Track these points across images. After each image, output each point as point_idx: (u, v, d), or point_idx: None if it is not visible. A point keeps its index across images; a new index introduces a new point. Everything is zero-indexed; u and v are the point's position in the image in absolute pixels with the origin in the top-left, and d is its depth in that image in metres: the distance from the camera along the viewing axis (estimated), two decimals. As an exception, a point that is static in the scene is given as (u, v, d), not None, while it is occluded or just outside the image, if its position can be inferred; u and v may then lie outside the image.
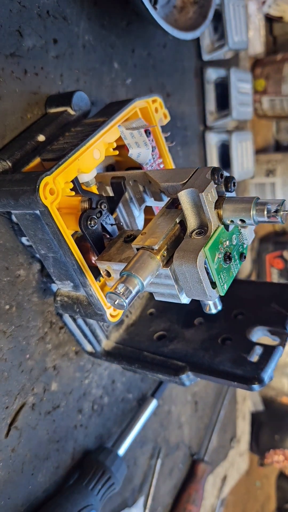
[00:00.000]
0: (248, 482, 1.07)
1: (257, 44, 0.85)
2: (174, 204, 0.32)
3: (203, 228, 0.29)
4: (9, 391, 0.41)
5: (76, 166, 0.33)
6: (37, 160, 0.35)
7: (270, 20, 0.92)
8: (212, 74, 0.68)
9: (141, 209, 0.40)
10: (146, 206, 0.39)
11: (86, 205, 0.34)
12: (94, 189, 0.37)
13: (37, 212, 0.32)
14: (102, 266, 0.34)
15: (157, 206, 0.39)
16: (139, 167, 0.38)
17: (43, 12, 0.41)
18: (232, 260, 0.30)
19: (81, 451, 0.51)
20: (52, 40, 0.42)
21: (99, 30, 0.47)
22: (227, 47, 0.65)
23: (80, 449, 0.51)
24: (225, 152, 0.73)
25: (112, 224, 0.37)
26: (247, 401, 1.01)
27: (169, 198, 0.33)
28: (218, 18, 0.64)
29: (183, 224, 0.31)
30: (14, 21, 0.38)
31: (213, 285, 0.29)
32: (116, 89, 0.50)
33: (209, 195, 0.29)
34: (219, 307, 0.33)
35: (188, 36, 0.48)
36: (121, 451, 0.52)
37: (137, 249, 0.30)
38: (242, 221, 0.29)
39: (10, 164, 0.35)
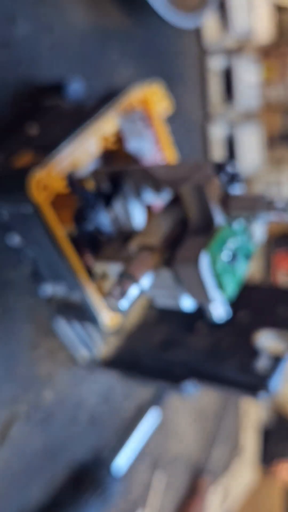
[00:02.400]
0: (251, 493, 1.06)
1: (265, 34, 0.84)
2: (176, 201, 0.31)
3: (206, 226, 0.28)
4: (0, 400, 0.40)
5: (70, 161, 0.31)
6: (29, 153, 0.34)
7: (279, 10, 0.91)
8: (216, 63, 0.67)
9: (140, 207, 0.38)
10: (145, 204, 0.38)
11: (81, 202, 0.32)
12: (90, 185, 0.36)
13: (29, 209, 0.30)
14: (99, 266, 0.33)
15: (156, 203, 0.38)
16: (138, 161, 0.37)
17: None
18: (238, 261, 0.29)
19: (76, 463, 0.50)
20: (48, 28, 0.41)
21: (95, 18, 0.46)
22: (231, 35, 0.63)
23: (75, 461, 0.49)
24: (230, 146, 0.72)
25: (108, 222, 0.35)
26: (252, 410, 0.99)
27: (170, 195, 0.31)
28: (222, 6, 0.63)
29: (184, 222, 0.30)
30: (8, 8, 0.37)
31: (218, 287, 0.28)
32: (112, 79, 0.49)
33: (213, 192, 0.27)
34: (225, 313, 0.31)
35: (190, 23, 0.47)
36: (118, 462, 0.51)
37: (136, 249, 0.28)
38: (248, 219, 0.28)
39: (1, 157, 0.33)
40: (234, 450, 0.92)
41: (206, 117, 0.69)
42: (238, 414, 0.92)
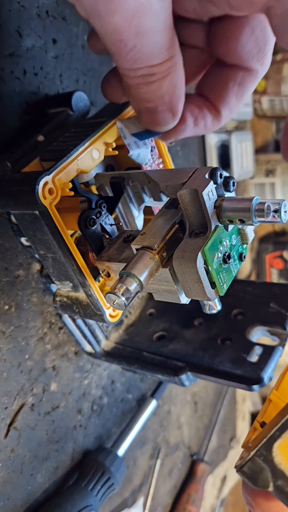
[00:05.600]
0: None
1: None
2: (174, 204, 0.32)
3: (202, 228, 0.29)
4: (8, 391, 0.41)
5: (75, 166, 0.33)
6: (36, 160, 0.35)
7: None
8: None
9: (141, 209, 0.40)
10: (146, 206, 0.39)
11: (85, 205, 0.33)
12: (93, 189, 0.37)
13: (36, 212, 0.32)
14: (102, 266, 0.34)
15: (157, 206, 0.39)
16: (138, 167, 0.38)
17: (42, 12, 0.40)
18: (232, 260, 0.30)
19: (81, 452, 0.51)
20: (52, 40, 0.42)
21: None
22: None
23: (80, 449, 0.51)
24: (224, 152, 0.73)
25: (111, 224, 0.37)
26: (247, 401, 1.01)
27: (168, 198, 0.32)
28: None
29: (182, 224, 0.31)
30: (13, 21, 0.38)
31: (213, 285, 0.29)
32: (115, 89, 0.50)
33: (209, 195, 0.28)
34: (219, 307, 0.33)
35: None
36: (121, 451, 0.52)
37: (137, 249, 0.29)
38: (242, 221, 0.29)
39: (9, 164, 0.35)
40: (231, 439, 0.93)
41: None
42: (235, 405, 0.94)
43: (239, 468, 0.21)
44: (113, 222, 0.37)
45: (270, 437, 0.21)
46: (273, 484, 0.20)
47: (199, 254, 0.27)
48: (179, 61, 0.26)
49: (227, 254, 0.29)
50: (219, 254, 0.29)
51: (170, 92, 0.27)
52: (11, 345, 0.41)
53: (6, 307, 0.40)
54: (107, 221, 0.36)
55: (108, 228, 0.36)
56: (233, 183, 0.30)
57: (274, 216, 0.28)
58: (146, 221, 0.41)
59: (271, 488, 0.20)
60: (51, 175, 0.31)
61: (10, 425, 0.42)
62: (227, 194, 0.30)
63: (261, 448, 0.21)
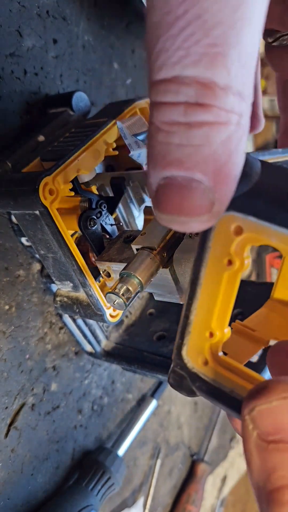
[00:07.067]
0: (248, 482, 1.07)
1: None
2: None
3: None
4: (8, 391, 0.41)
5: (75, 167, 0.33)
6: (36, 160, 0.35)
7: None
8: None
9: (141, 209, 0.40)
10: (146, 206, 0.39)
11: (85, 205, 0.33)
12: (93, 189, 0.37)
13: (37, 212, 0.32)
14: (102, 266, 0.34)
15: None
16: (139, 167, 0.38)
17: (42, 12, 0.41)
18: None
19: (81, 452, 0.51)
20: (52, 40, 0.42)
21: (98, 30, 0.47)
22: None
23: (80, 449, 0.51)
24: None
25: (111, 224, 0.37)
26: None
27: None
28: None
29: None
30: (14, 21, 0.38)
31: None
32: (116, 89, 0.50)
33: None
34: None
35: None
36: (121, 451, 0.52)
37: (137, 250, 0.29)
38: None
39: (9, 164, 0.35)
40: (231, 439, 0.93)
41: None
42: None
43: (168, 381, 0.22)
44: (114, 222, 0.37)
45: (178, 346, 0.22)
46: (194, 387, 0.21)
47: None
48: (249, 107, 0.15)
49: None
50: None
51: (224, 157, 0.15)
52: (11, 345, 0.41)
53: (7, 307, 0.40)
54: (107, 221, 0.36)
55: (108, 228, 0.36)
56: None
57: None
58: (146, 221, 0.41)
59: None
60: (51, 175, 0.31)
61: (10, 425, 0.42)
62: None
63: (175, 358, 0.22)
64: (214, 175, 0.15)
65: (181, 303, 0.31)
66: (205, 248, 0.20)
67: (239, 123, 0.15)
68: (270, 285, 0.50)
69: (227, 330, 0.21)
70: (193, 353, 0.21)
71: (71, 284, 0.37)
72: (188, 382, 0.21)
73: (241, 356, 0.24)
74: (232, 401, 0.19)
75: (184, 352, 0.22)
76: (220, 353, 0.21)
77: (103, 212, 0.34)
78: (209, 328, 0.21)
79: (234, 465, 0.96)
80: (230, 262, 0.19)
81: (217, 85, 0.14)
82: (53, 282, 0.39)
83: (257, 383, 0.18)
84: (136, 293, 0.27)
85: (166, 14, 0.13)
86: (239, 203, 0.17)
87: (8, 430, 0.41)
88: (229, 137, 0.15)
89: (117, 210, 0.39)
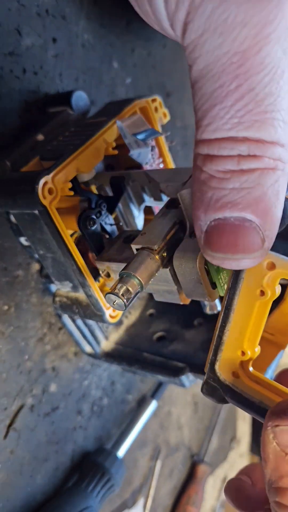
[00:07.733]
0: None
1: None
2: (174, 204, 0.32)
3: None
4: (7, 392, 0.41)
5: (75, 166, 0.33)
6: (36, 160, 0.35)
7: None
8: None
9: (141, 209, 0.39)
10: (146, 206, 0.39)
11: (85, 205, 0.33)
12: (93, 189, 0.37)
13: (36, 212, 0.32)
14: (102, 266, 0.34)
15: (157, 206, 0.39)
16: (138, 166, 0.38)
17: (42, 11, 0.40)
18: None
19: (80, 453, 0.51)
20: (51, 39, 0.42)
21: (98, 29, 0.47)
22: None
23: (79, 450, 0.51)
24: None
25: (111, 224, 0.36)
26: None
27: (168, 198, 0.32)
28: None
29: (182, 224, 0.30)
30: (13, 19, 0.38)
31: (213, 285, 0.29)
32: (115, 89, 0.50)
33: None
34: (220, 308, 0.32)
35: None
36: (121, 452, 0.52)
37: (137, 250, 0.29)
38: None
39: (8, 163, 0.35)
40: (232, 440, 0.93)
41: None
42: (235, 407, 0.93)
43: (202, 391, 0.25)
44: (113, 222, 0.37)
45: (211, 362, 0.25)
46: (226, 397, 0.24)
47: (200, 254, 0.27)
48: None
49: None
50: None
51: (273, 198, 0.17)
52: (10, 345, 0.41)
53: (6, 307, 0.40)
54: (107, 221, 0.36)
55: (108, 228, 0.36)
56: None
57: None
58: (146, 221, 0.41)
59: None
60: (51, 175, 0.31)
61: (9, 426, 0.41)
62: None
63: (209, 372, 0.25)
64: (264, 214, 0.17)
65: (181, 303, 0.31)
66: (239, 279, 0.23)
67: (284, 169, 0.17)
68: (284, 287, 0.49)
69: (258, 349, 0.24)
70: (225, 368, 0.24)
71: (71, 284, 0.36)
72: (220, 393, 0.24)
73: (261, 361, 0.26)
74: (260, 410, 0.22)
75: (217, 367, 0.25)
76: (251, 369, 0.24)
77: (103, 212, 0.34)
78: (241, 347, 0.24)
79: (235, 466, 0.96)
80: (262, 293, 0.22)
81: (266, 141, 0.16)
82: (52, 282, 0.39)
83: (284, 396, 0.21)
84: (136, 294, 0.27)
85: (219, 87, 0.16)
86: (274, 243, 0.19)
87: (7, 432, 0.41)
88: (277, 181, 0.17)
89: (116, 209, 0.39)
